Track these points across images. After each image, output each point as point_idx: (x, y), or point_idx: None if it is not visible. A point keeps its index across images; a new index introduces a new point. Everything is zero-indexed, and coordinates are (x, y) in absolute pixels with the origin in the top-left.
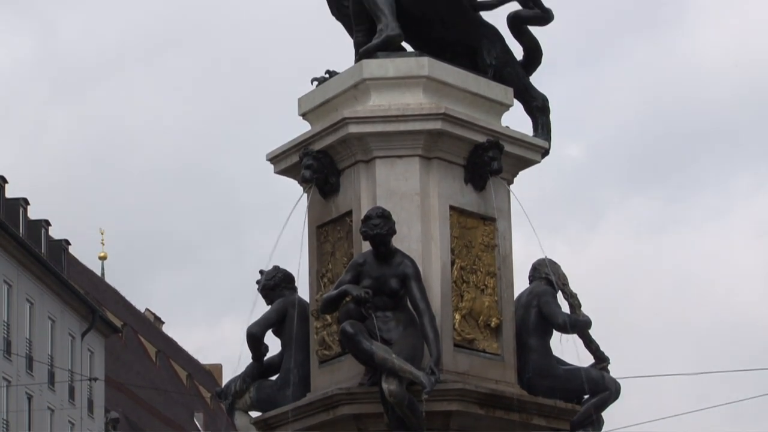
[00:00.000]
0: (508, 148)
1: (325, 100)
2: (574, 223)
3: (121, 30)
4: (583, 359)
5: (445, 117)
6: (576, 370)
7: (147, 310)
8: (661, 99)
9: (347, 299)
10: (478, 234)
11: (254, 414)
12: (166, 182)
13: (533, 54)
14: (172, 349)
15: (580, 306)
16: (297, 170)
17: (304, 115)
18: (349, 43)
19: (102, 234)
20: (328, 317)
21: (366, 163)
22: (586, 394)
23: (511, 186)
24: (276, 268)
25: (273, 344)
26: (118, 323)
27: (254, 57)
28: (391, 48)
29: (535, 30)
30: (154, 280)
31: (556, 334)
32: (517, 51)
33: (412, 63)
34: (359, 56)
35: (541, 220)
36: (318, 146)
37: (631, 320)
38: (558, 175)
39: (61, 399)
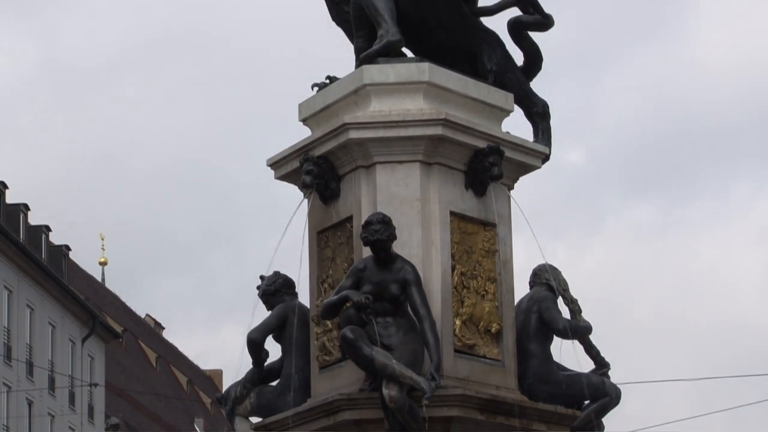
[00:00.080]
0: (508, 153)
1: (326, 106)
2: (574, 229)
3: (121, 35)
4: (584, 365)
5: (446, 122)
6: (576, 376)
7: (147, 315)
8: (662, 103)
9: (348, 305)
10: (479, 239)
11: (254, 420)
12: (167, 188)
13: (534, 59)
14: (172, 355)
15: (580, 311)
16: (297, 176)
17: (304, 121)
18: (349, 49)
19: (102, 239)
20: (328, 323)
21: (366, 169)
22: (586, 400)
23: (511, 191)
24: (276, 274)
25: (273, 350)
26: (118, 329)
27: (254, 62)
28: (391, 53)
29: (535, 35)
30: (154, 285)
31: (556, 340)
32: (518, 56)
33: (412, 68)
34: (360, 62)
35: (542, 226)
36: (318, 152)
37: (631, 325)
38: (558, 180)
39: (62, 404)
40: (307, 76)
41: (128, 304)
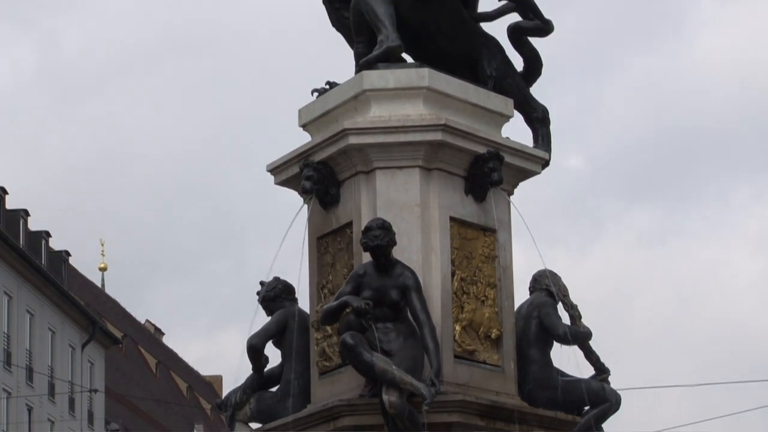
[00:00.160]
0: (508, 159)
1: (326, 111)
2: (574, 234)
3: (121, 41)
4: (584, 370)
5: (446, 128)
6: (576, 382)
7: (147, 321)
8: (661, 110)
9: (347, 310)
10: (479, 245)
11: (254, 425)
12: (166, 193)
13: (533, 65)
14: (172, 361)
15: (580, 317)
16: (297, 181)
17: (304, 126)
18: (349, 54)
19: (102, 245)
20: (328, 328)
21: (366, 174)
22: (586, 406)
23: (511, 197)
24: (276, 279)
25: (273, 355)
26: (118, 334)
27: (254, 68)
28: (391, 59)
29: (535, 41)
30: (154, 291)
31: (556, 346)
32: (518, 62)
33: (412, 74)
34: (360, 67)
35: (542, 231)
36: (318, 157)
37: (631, 331)
38: (558, 186)
39: (62, 410)
40: (307, 81)
41: (128, 309)
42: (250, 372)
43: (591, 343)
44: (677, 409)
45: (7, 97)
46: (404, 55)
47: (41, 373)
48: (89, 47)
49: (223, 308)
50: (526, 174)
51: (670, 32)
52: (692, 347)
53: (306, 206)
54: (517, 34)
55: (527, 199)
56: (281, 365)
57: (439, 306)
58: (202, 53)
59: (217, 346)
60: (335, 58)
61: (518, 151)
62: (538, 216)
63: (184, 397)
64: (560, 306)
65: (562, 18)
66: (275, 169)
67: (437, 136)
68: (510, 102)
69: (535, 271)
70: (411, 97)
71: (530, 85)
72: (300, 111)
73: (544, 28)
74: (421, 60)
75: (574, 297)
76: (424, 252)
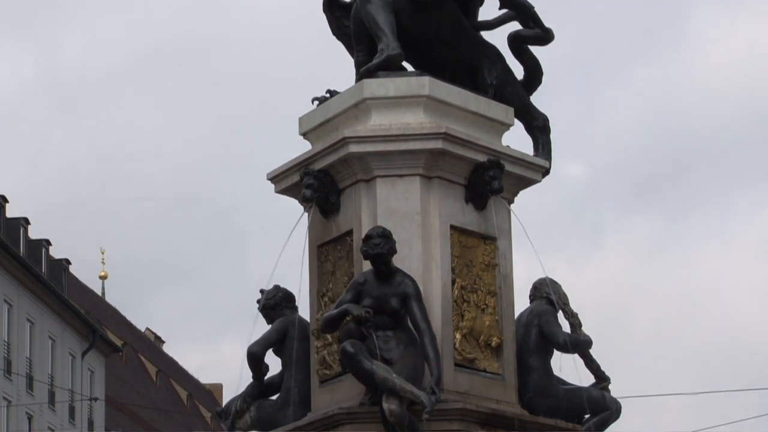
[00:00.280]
0: (508, 167)
1: (326, 120)
2: (574, 243)
3: (122, 49)
4: (584, 379)
5: (446, 136)
6: (577, 390)
7: (147, 329)
8: (662, 118)
9: (348, 318)
10: (479, 253)
11: None
12: (167, 201)
13: (534, 73)
14: (172, 369)
15: (580, 325)
16: (297, 189)
17: (304, 135)
18: (349, 63)
19: (102, 253)
20: (328, 337)
21: (367, 183)
22: (587, 414)
23: (511, 205)
24: (276, 288)
25: (273, 364)
26: (118, 343)
27: (254, 77)
28: (391, 67)
29: (535, 50)
30: (154, 299)
31: (556, 354)
32: (518, 70)
33: (412, 82)
34: (360, 76)
35: (542, 240)
36: (319, 165)
37: (631, 339)
38: (559, 194)
39: (62, 419)
40: (308, 90)
41: (128, 317)
42: (251, 380)
43: (591, 351)
44: (678, 417)
45: (7, 105)
46: (404, 64)
47: (41, 381)
48: (90, 55)
49: (224, 316)
50: (527, 182)
51: (670, 40)
52: (693, 355)
53: (306, 214)
54: (517, 43)
55: (528, 208)
56: (281, 373)
57: (440, 314)
58: (202, 61)
59: (218, 354)
60: (335, 66)
61: (519, 160)
62: (538, 224)
63: (184, 405)
64: (561, 314)
65: (563, 26)
66: (275, 178)
67: (438, 144)
68: (510, 110)
69: (535, 280)
70: (411, 105)
71: (531, 94)
72: (300, 119)
73: (545, 36)
74: (422, 68)
75: (574, 305)
76: (424, 260)
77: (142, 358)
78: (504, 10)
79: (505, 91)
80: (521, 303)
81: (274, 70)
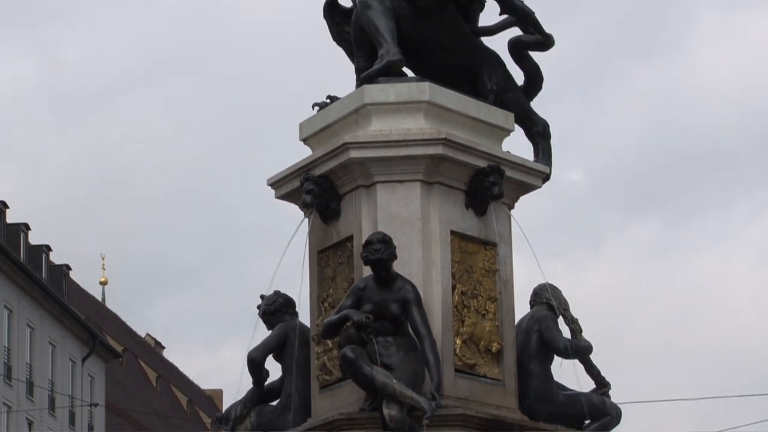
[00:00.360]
0: (509, 173)
1: (326, 125)
2: (574, 248)
3: (122, 56)
4: (584, 384)
5: (446, 142)
6: (577, 396)
7: (147, 335)
8: (662, 124)
9: (348, 324)
10: (479, 259)
11: None
12: (167, 207)
13: (534, 79)
14: (172, 375)
15: (581, 331)
16: (298, 195)
17: (305, 140)
18: (350, 69)
19: (103, 259)
20: (329, 342)
21: (367, 188)
22: (587, 420)
23: (512, 211)
24: (277, 293)
25: (274, 369)
26: (118, 348)
27: (255, 82)
28: (392, 73)
29: (536, 55)
30: (154, 305)
31: (556, 359)
32: (518, 76)
33: (413, 88)
34: (360, 81)
35: (542, 245)
36: (319, 171)
37: (631, 345)
38: (559, 199)
39: (62, 425)
40: (308, 95)
41: (128, 323)
42: (251, 386)
43: (591, 356)
44: (678, 422)
45: (8, 111)
46: (405, 69)
47: (42, 387)
48: (90, 62)
49: (224, 322)
50: (527, 188)
51: (670, 45)
52: (693, 360)
53: (306, 220)
54: (517, 49)
55: (528, 213)
56: (282, 379)
57: (440, 320)
58: (203, 67)
59: (218, 360)
60: (336, 72)
61: (519, 165)
62: (538, 230)
63: (184, 411)
64: (561, 320)
65: (563, 32)
66: (276, 183)
67: (438, 150)
68: (510, 116)
69: (535, 285)
70: (411, 111)
71: (531, 99)
72: (301, 125)
73: (545, 42)
74: (422, 74)
75: (574, 311)
76: (424, 266)
77: (143, 364)
78: (504, 16)
79: (505, 96)
80: (521, 308)
81: (274, 76)
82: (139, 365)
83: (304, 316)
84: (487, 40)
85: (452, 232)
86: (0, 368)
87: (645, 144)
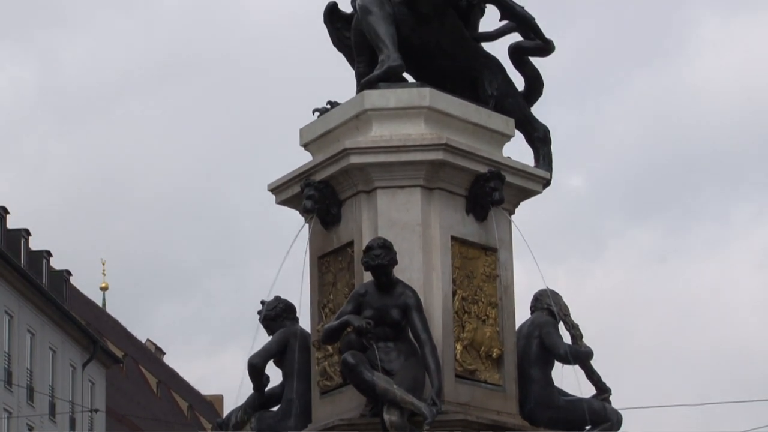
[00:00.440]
0: (509, 178)
1: (327, 131)
2: (575, 254)
3: (123, 61)
4: (585, 390)
5: (447, 147)
6: (577, 401)
7: (148, 340)
8: (662, 129)
9: (348, 330)
10: (480, 264)
11: None
12: (168, 213)
13: (534, 85)
14: (173, 380)
15: (581, 337)
16: (298, 201)
17: (305, 146)
18: (350, 74)
19: (103, 265)
20: (329, 348)
21: (367, 194)
22: (587, 425)
23: (512, 216)
24: (277, 299)
25: (274, 375)
26: (119, 354)
27: (255, 87)
28: (392, 78)
29: (536, 61)
30: (155, 310)
31: (557, 365)
32: (519, 82)
33: (413, 93)
34: (361, 87)
35: (543, 251)
36: (319, 176)
37: (632, 351)
38: (559, 205)
39: (63, 430)
40: (308, 101)
41: (129, 329)
42: (251, 391)
43: (592, 362)
44: (678, 428)
45: (8, 117)
46: (405, 75)
47: (42, 392)
48: (91, 67)
49: (224, 327)
50: (528, 193)
51: (670, 51)
52: (694, 366)
53: (307, 225)
54: (518, 54)
55: (528, 219)
56: (282, 384)
57: (440, 325)
58: (203, 73)
59: (218, 365)
60: (336, 77)
61: (519, 171)
62: (539, 235)
63: (185, 416)
64: (561, 325)
65: (563, 38)
66: (276, 189)
67: (438, 155)
68: (511, 121)
69: (536, 291)
70: (412, 116)
71: (531, 105)
72: (301, 130)
73: (545, 47)
74: (422, 79)
75: (575, 316)
76: (425, 271)
77: (143, 370)
78: (505, 22)
79: (505, 102)
80: (522, 314)
81: (275, 82)
82: (139, 371)
83: (305, 322)
84: (487, 46)
85: (453, 238)
86: (0, 374)
87: (645, 149)
